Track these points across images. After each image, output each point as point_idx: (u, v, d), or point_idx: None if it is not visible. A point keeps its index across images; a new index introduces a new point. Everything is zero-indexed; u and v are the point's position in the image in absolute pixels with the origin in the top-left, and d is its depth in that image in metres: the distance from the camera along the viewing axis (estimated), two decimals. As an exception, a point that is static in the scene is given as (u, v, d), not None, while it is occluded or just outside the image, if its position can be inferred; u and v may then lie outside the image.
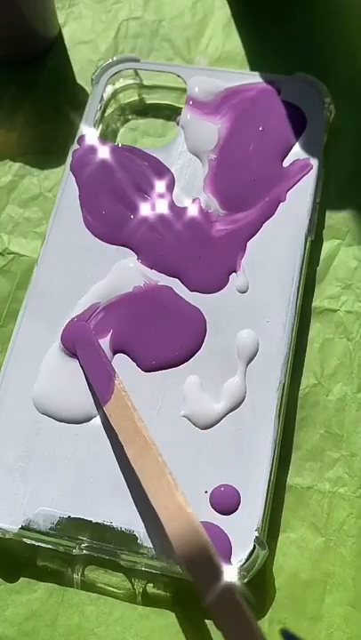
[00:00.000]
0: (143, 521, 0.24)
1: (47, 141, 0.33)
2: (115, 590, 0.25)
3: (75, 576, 0.25)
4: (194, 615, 0.24)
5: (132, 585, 0.25)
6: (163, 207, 0.29)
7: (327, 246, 0.29)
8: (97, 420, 0.26)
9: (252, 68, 0.33)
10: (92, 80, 0.32)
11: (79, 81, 0.34)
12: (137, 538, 0.24)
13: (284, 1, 0.34)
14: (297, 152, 0.30)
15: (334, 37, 0.34)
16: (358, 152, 0.31)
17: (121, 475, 0.25)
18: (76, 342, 0.27)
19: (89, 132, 0.31)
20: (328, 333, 0.28)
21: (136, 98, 0.33)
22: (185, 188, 0.30)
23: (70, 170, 0.30)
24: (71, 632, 0.24)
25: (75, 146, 0.31)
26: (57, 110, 0.33)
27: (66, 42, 0.35)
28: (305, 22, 0.34)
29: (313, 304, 0.28)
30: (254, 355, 0.26)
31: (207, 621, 0.24)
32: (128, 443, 0.25)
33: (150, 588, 0.25)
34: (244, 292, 0.28)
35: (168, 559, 0.24)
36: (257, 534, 0.24)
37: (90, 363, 0.27)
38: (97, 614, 0.25)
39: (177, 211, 0.29)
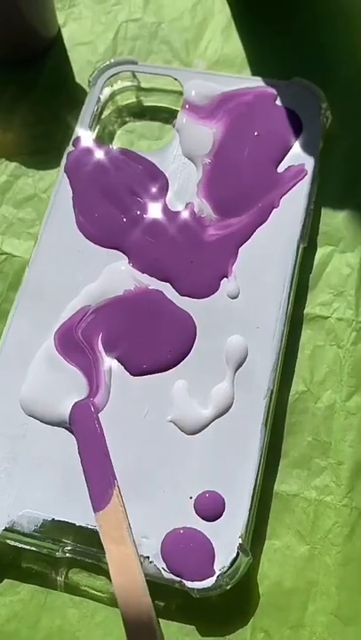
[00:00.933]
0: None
1: (44, 142, 0.33)
2: (98, 594, 0.25)
3: (58, 578, 0.25)
4: (175, 620, 0.24)
5: (116, 589, 0.25)
6: (156, 211, 0.29)
7: (321, 253, 0.29)
8: (84, 423, 0.26)
9: (251, 72, 0.33)
10: (89, 82, 0.32)
11: (78, 82, 0.34)
12: (120, 542, 0.24)
13: (283, 2, 0.34)
14: (292, 158, 0.30)
15: (333, 41, 0.34)
16: (353, 158, 0.31)
17: (106, 479, 0.25)
18: (76, 425, 0.25)
19: (84, 134, 0.31)
20: (319, 340, 0.28)
21: (134, 100, 0.33)
22: (178, 192, 0.30)
23: (64, 171, 0.30)
24: (52, 635, 0.24)
25: (70, 147, 0.31)
26: (55, 111, 0.33)
27: (65, 42, 0.35)
28: (304, 26, 0.34)
29: (305, 311, 0.28)
30: (243, 361, 0.26)
31: (188, 626, 0.24)
32: (112, 553, 0.23)
33: (134, 592, 0.25)
34: (235, 297, 0.27)
35: (149, 565, 0.24)
36: (240, 541, 0.24)
37: (89, 457, 0.25)
38: (79, 617, 0.25)
39: (170, 215, 0.29)
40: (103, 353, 0.27)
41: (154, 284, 0.28)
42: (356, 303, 0.28)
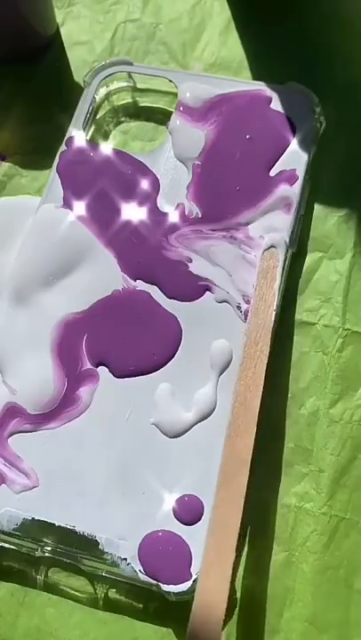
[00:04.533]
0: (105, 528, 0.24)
1: (39, 142, 0.33)
2: (77, 594, 0.25)
3: (38, 577, 0.25)
4: (151, 623, 0.24)
5: (95, 589, 0.25)
6: (145, 212, 0.29)
7: (310, 259, 0.29)
8: (67, 426, 0.26)
9: (248, 75, 0.33)
10: (85, 82, 0.32)
11: (74, 81, 0.34)
12: (99, 544, 0.24)
13: (281, 6, 0.34)
14: (284, 162, 0.30)
15: (330, 46, 0.33)
16: (347, 164, 0.31)
17: (86, 481, 0.25)
18: None
19: (77, 134, 0.31)
20: (305, 346, 0.28)
21: (129, 100, 0.33)
22: (169, 194, 0.29)
23: (56, 171, 0.30)
24: (30, 633, 0.25)
25: (62, 147, 0.31)
26: (50, 110, 0.33)
27: (63, 41, 0.35)
28: (301, 30, 0.34)
29: (292, 316, 0.28)
30: (227, 365, 0.26)
31: (164, 629, 0.24)
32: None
33: (112, 593, 0.25)
34: (222, 301, 0.27)
35: (126, 567, 0.24)
36: (218, 546, 0.24)
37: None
38: (56, 617, 0.25)
39: (159, 216, 0.29)
40: (88, 354, 0.27)
41: (141, 285, 0.28)
42: (343, 310, 0.28)
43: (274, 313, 0.26)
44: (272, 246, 0.27)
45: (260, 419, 0.26)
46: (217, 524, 0.23)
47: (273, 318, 0.26)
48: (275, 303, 0.26)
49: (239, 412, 0.24)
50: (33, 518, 0.25)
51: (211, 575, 0.22)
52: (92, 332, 0.27)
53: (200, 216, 0.29)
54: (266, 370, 0.26)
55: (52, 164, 0.31)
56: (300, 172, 0.29)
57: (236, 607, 0.24)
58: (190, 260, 0.28)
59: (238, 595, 0.24)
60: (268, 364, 0.26)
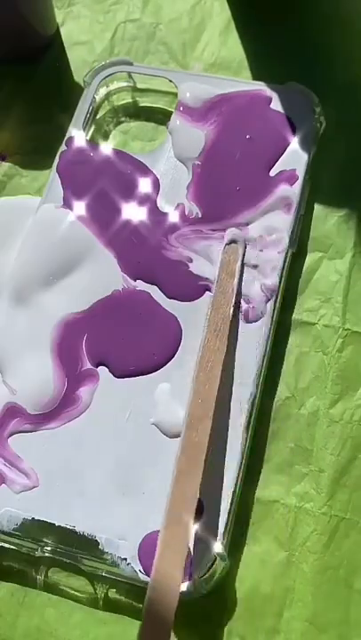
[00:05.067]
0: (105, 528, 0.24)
1: (39, 142, 0.33)
2: (77, 594, 0.25)
3: (38, 577, 0.25)
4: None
5: (95, 589, 0.25)
6: (145, 212, 0.29)
7: (310, 259, 0.29)
8: (67, 426, 0.26)
9: (248, 75, 0.33)
10: (85, 82, 0.32)
11: (74, 82, 0.34)
12: (99, 544, 0.24)
13: (282, 6, 0.34)
14: (284, 162, 0.30)
15: (330, 46, 0.33)
16: (348, 164, 0.31)
17: (86, 481, 0.25)
18: None
19: (77, 134, 0.31)
20: (305, 346, 0.28)
21: (129, 100, 0.33)
22: (169, 194, 0.30)
23: (56, 171, 0.30)
24: (30, 633, 0.25)
25: (62, 147, 0.31)
26: (50, 110, 0.34)
27: (63, 41, 0.35)
28: (301, 30, 0.34)
29: (291, 316, 0.28)
30: (227, 365, 0.26)
31: (164, 630, 0.24)
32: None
33: (112, 593, 0.25)
34: (222, 301, 0.27)
35: (126, 567, 0.24)
36: (218, 546, 0.24)
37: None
38: (56, 617, 0.25)
39: (159, 216, 0.29)
40: (88, 354, 0.27)
41: (141, 285, 0.28)
42: (343, 310, 0.28)
43: (232, 307, 0.26)
44: (233, 241, 0.27)
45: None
46: (173, 507, 0.23)
47: (231, 311, 0.26)
48: (233, 297, 0.26)
49: (196, 405, 0.25)
50: (33, 518, 0.25)
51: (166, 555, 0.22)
52: (92, 332, 0.27)
53: (200, 216, 0.29)
54: (264, 372, 0.26)
55: (52, 164, 0.31)
56: (300, 172, 0.29)
57: (235, 606, 0.24)
58: (190, 260, 0.28)
59: (238, 595, 0.24)
60: (268, 365, 0.27)
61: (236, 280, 0.27)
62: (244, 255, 0.28)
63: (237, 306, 0.27)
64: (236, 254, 0.26)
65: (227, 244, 0.27)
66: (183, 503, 0.23)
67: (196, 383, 0.25)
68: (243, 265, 0.28)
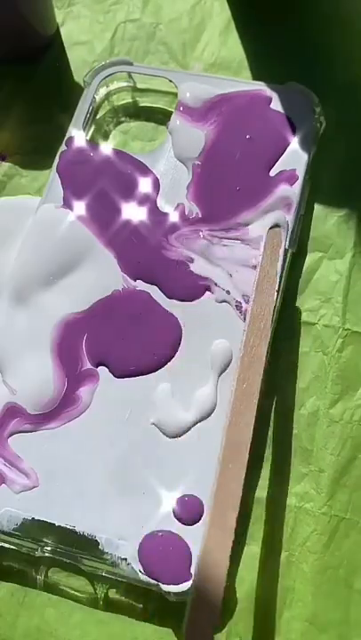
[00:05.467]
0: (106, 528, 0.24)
1: (39, 142, 0.33)
2: (77, 594, 0.25)
3: (38, 577, 0.25)
4: (151, 623, 0.24)
5: (95, 589, 0.25)
6: (145, 212, 0.29)
7: (310, 259, 0.29)
8: (67, 426, 0.26)
9: (248, 75, 0.33)
10: (84, 82, 0.32)
11: (74, 82, 0.34)
12: (99, 544, 0.24)
13: (282, 6, 0.34)
14: (284, 162, 0.30)
15: (331, 46, 0.33)
16: (348, 164, 0.31)
17: (86, 481, 0.25)
18: None
19: (77, 134, 0.31)
20: (305, 346, 0.28)
21: (129, 100, 0.33)
22: (169, 194, 0.29)
23: (56, 171, 0.30)
24: (30, 633, 0.25)
25: (62, 147, 0.31)
26: (50, 110, 0.33)
27: (63, 41, 0.35)
28: (302, 30, 0.34)
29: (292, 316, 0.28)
30: (227, 365, 0.26)
31: (164, 629, 0.24)
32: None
33: (112, 593, 0.25)
34: (222, 301, 0.27)
35: (126, 567, 0.24)
36: (218, 546, 0.24)
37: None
38: (56, 617, 0.25)
39: (159, 216, 0.29)
40: (88, 354, 0.27)
41: (141, 285, 0.28)
42: (343, 310, 0.28)
43: (276, 291, 0.26)
44: (276, 225, 0.27)
45: (261, 401, 0.26)
46: (218, 504, 0.23)
47: (276, 296, 0.26)
48: (277, 281, 0.26)
49: (240, 392, 0.24)
50: (33, 518, 0.25)
51: (211, 560, 0.22)
52: (92, 332, 0.27)
53: (200, 216, 0.29)
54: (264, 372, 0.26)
55: (52, 164, 0.31)
56: (300, 172, 0.29)
57: (236, 606, 0.24)
58: (190, 260, 0.28)
59: (238, 595, 0.25)
60: (266, 357, 0.26)
61: (279, 264, 0.26)
62: (285, 260, 0.28)
63: (279, 290, 0.27)
64: (280, 238, 0.26)
65: (270, 229, 0.27)
66: (227, 500, 0.23)
67: (240, 370, 0.25)
68: (283, 270, 0.27)
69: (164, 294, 0.28)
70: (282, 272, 0.28)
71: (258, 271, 0.26)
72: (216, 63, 0.34)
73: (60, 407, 0.26)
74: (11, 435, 0.26)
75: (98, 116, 0.33)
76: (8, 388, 0.27)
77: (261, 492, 0.26)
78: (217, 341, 0.27)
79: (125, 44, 0.35)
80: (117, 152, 0.31)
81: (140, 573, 0.24)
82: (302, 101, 0.31)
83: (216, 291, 0.28)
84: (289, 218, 0.28)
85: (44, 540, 0.25)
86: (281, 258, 0.26)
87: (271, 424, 0.27)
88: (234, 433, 0.24)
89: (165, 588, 0.23)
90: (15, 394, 0.27)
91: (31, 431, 0.26)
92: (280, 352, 0.28)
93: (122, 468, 0.25)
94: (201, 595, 0.22)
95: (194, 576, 0.23)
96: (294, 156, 0.30)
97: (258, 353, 0.24)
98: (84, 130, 0.31)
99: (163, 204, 0.29)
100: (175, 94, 0.32)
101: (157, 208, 0.29)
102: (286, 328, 0.28)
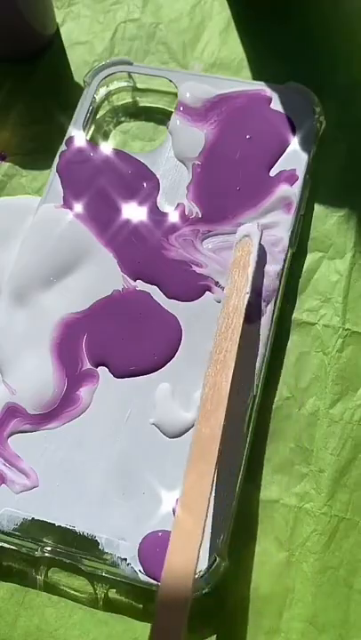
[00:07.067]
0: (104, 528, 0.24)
1: (39, 142, 0.33)
2: (76, 594, 0.25)
3: (38, 577, 0.25)
4: (150, 623, 0.24)
5: (95, 589, 0.25)
6: (145, 212, 0.29)
7: (310, 259, 0.29)
8: (67, 426, 0.26)
9: (248, 75, 0.33)
10: (84, 82, 0.32)
11: (74, 82, 0.34)
12: (99, 544, 0.24)
13: (282, 6, 0.34)
14: (284, 162, 0.30)
15: (331, 46, 0.33)
16: (348, 164, 0.31)
17: (86, 481, 0.25)
18: None
19: (77, 134, 0.31)
20: (305, 347, 0.28)
21: (129, 100, 0.33)
22: (169, 194, 0.30)
23: (56, 171, 0.30)
24: (30, 633, 0.25)
25: (62, 147, 0.31)
26: (50, 110, 0.33)
27: (63, 41, 0.35)
28: (302, 31, 0.34)
29: (291, 316, 0.28)
30: (227, 365, 0.26)
31: (164, 630, 0.24)
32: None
33: (112, 593, 0.25)
34: (222, 301, 0.27)
35: (126, 567, 0.24)
36: (218, 546, 0.24)
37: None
38: (56, 617, 0.25)
39: (159, 216, 0.29)
40: (88, 354, 0.27)
41: (141, 285, 0.28)
42: (343, 310, 0.28)
43: (246, 299, 0.26)
44: (245, 236, 0.27)
45: (261, 420, 0.26)
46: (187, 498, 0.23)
47: (245, 304, 0.26)
48: (246, 290, 0.26)
49: (209, 396, 0.24)
50: (33, 518, 0.25)
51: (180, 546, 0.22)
52: (92, 332, 0.27)
53: (200, 216, 0.29)
54: (264, 372, 0.26)
55: (52, 164, 0.31)
56: (300, 172, 0.29)
57: (236, 606, 0.24)
58: (190, 260, 0.28)
59: (238, 595, 0.24)
60: (267, 365, 0.27)
61: (250, 271, 0.26)
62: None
63: (258, 293, 0.27)
64: (249, 247, 0.26)
65: (237, 242, 0.27)
66: (196, 498, 0.22)
67: (209, 375, 0.25)
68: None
69: (164, 294, 0.28)
70: (281, 272, 0.28)
71: (228, 282, 0.27)
72: (216, 63, 0.34)
73: (60, 407, 0.26)
74: (11, 435, 0.26)
75: (98, 116, 0.33)
76: (8, 388, 0.27)
77: (261, 491, 0.26)
78: (217, 341, 0.27)
79: (125, 44, 0.35)
80: (117, 152, 0.31)
81: (140, 573, 0.24)
82: (302, 101, 0.31)
83: (216, 291, 0.28)
84: (289, 218, 0.28)
85: (44, 539, 0.25)
86: (252, 265, 0.26)
87: (270, 424, 0.27)
88: (203, 430, 0.24)
89: (165, 587, 0.23)
90: (15, 394, 0.27)
91: (31, 431, 0.26)
92: (279, 352, 0.28)
93: (122, 468, 0.25)
94: (168, 595, 0.21)
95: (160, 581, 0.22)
96: (294, 156, 0.30)
97: (227, 360, 0.24)
98: (84, 130, 0.31)
99: (163, 204, 0.29)
100: (175, 94, 0.32)
101: (157, 208, 0.29)
102: (286, 328, 0.28)
